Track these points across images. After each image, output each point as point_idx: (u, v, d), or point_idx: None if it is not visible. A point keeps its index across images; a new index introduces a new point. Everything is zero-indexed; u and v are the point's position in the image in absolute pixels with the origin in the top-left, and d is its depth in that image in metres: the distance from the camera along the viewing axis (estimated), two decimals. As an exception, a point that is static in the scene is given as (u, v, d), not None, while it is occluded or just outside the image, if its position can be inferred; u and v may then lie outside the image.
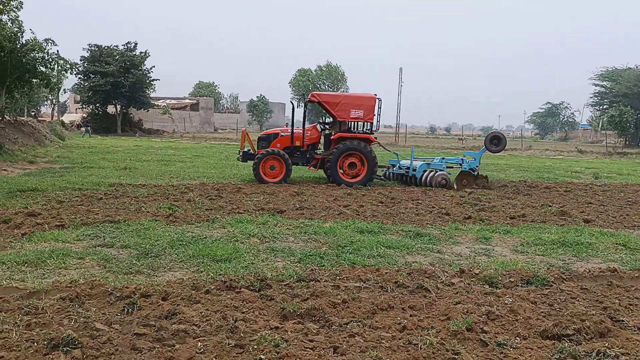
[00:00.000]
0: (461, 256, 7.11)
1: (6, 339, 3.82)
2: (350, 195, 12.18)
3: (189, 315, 4.43)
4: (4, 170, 15.82)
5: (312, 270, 5.98)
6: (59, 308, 4.48)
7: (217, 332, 4.13)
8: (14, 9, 19.47)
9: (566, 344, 4.06)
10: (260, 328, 4.24)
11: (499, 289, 5.59)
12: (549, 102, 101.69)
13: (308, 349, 3.90)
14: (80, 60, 46.44)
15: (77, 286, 5.02)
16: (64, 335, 3.79)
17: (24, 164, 17.80)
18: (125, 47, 48.09)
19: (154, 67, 50.10)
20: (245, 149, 15.24)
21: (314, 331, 4.23)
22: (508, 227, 9.03)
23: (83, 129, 44.40)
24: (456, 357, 3.85)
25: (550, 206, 11.46)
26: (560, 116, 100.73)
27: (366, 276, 5.76)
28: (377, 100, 14.99)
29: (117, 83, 45.15)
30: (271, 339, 4.00)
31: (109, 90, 45.60)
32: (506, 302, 5.09)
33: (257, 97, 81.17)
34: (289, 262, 6.38)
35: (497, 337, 4.21)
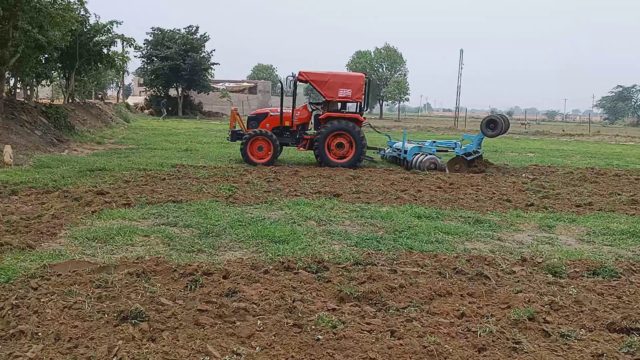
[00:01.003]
0: (523, 244, 6.91)
1: (80, 310, 4.06)
2: (407, 180, 12.05)
3: (249, 294, 4.54)
4: (75, 150, 16.69)
5: (368, 254, 5.98)
6: (127, 282, 4.70)
7: (276, 311, 4.22)
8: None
9: (635, 338, 3.88)
10: (317, 309, 4.30)
11: (563, 279, 5.40)
12: (620, 86, 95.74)
13: (365, 332, 3.92)
14: (144, 44, 47.91)
15: (143, 262, 5.25)
16: (132, 308, 3.98)
17: (92, 145, 18.69)
18: (187, 30, 49.17)
19: (214, 50, 50.79)
20: (237, 129, 15.14)
21: (371, 314, 4.25)
22: (573, 216, 8.67)
23: (164, 111, 45.24)
24: (517, 346, 3.76)
25: (619, 194, 10.89)
26: (633, 100, 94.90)
27: (424, 261, 5.71)
28: (365, 80, 14.76)
29: (176, 66, 46.26)
30: (329, 320, 4.04)
31: (169, 73, 46.83)
32: (571, 292, 4.91)
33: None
34: (345, 245, 6.41)
35: (560, 328, 4.08)
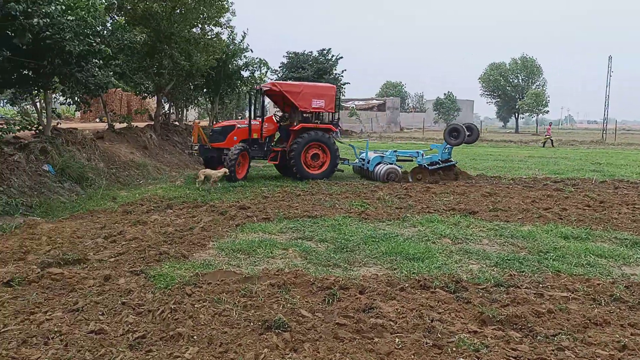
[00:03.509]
0: (695, 271, 6.05)
1: (228, 317, 4.33)
2: (550, 197, 11.21)
3: (386, 310, 4.52)
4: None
5: (510, 275, 5.66)
6: (269, 293, 4.93)
7: (414, 330, 4.15)
8: (229, 20, 21.75)
9: None
10: (457, 330, 4.14)
11: None
12: None
13: (511, 358, 3.70)
14: (279, 67, 50.61)
15: (283, 274, 5.48)
16: (276, 318, 4.16)
17: (234, 163, 20.03)
18: (319, 53, 51.06)
19: (345, 70, 52.11)
20: (202, 144, 14.24)
21: (516, 340, 3.99)
22: None
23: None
24: (695, 388, 3.29)
25: None
26: None
27: (574, 286, 5.26)
28: (337, 91, 14.46)
29: (310, 88, 48.15)
30: (470, 343, 3.88)
31: (303, 94, 48.85)
32: None
33: (445, 94, 79.67)
34: (484, 266, 6.12)
35: None
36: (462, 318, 4.45)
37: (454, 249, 6.84)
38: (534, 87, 76.34)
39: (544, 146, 34.07)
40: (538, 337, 4.05)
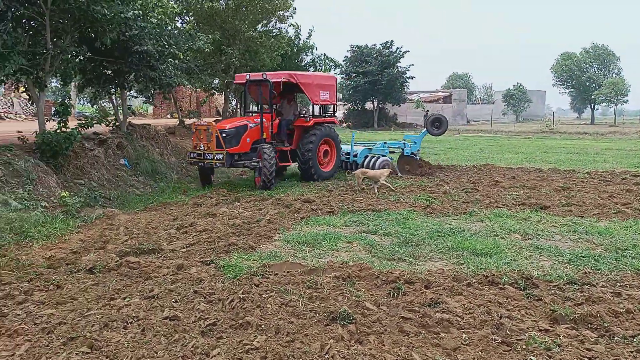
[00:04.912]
0: None
1: (295, 308, 4.43)
2: (630, 192, 10.57)
3: (452, 305, 4.46)
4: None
5: (585, 272, 5.41)
6: (334, 285, 4.99)
7: (482, 326, 4.07)
8: (291, 15, 22.06)
9: None
10: (527, 328, 4.03)
11: None
12: None
13: (585, 358, 3.55)
14: (343, 61, 50.61)
15: (348, 267, 5.52)
16: (341, 310, 4.21)
17: (298, 157, 20.32)
18: (382, 46, 50.61)
19: (412, 65, 51.33)
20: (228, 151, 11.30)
21: (591, 340, 3.83)
22: None
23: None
24: None
25: None
26: None
27: (656, 286, 4.96)
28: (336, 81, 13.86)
29: (374, 81, 47.92)
30: (541, 341, 3.76)
31: (367, 88, 48.69)
32: None
33: (514, 85, 76.74)
34: (556, 262, 5.89)
35: None
36: (533, 315, 4.31)
37: (523, 245, 6.63)
38: (610, 76, 71.98)
39: None
40: (615, 338, 3.87)
